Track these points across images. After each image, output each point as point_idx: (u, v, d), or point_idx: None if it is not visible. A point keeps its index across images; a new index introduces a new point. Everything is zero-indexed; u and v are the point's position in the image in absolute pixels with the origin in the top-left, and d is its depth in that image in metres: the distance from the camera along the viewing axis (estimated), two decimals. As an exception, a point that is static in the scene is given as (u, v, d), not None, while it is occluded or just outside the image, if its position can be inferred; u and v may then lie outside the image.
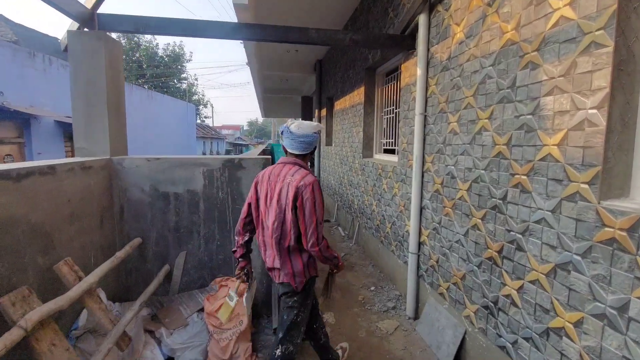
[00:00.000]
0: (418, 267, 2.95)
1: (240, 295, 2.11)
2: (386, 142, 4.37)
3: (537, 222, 1.67)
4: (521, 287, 1.78)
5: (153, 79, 26.09)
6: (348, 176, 5.57)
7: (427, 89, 2.78)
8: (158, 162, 2.68)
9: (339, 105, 6.34)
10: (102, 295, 2.24)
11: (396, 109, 3.97)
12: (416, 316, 2.97)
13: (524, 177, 1.75)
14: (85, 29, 2.55)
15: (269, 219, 1.72)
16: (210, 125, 36.54)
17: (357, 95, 4.93)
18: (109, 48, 2.59)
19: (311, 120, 11.16)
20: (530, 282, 1.72)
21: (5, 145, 7.70)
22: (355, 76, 5.01)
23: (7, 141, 7.68)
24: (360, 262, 4.30)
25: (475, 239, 2.15)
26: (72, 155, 8.80)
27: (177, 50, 27.65)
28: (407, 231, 3.18)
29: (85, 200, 2.26)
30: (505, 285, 1.90)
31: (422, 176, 2.86)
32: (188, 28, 2.68)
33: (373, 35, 3.00)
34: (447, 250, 2.49)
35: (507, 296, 1.89)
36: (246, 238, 1.93)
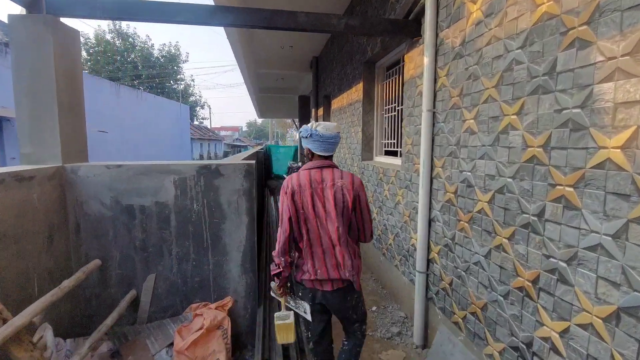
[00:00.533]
0: (427, 288, 2.54)
1: (287, 309, 1.87)
2: (388, 143, 3.97)
3: (591, 248, 1.27)
4: (566, 331, 1.38)
5: (148, 80, 25.69)
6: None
7: (435, 82, 2.38)
8: (120, 170, 2.27)
9: (336, 103, 5.94)
10: (48, 333, 1.83)
11: (399, 106, 3.57)
12: (425, 344, 2.57)
13: (570, 190, 1.35)
14: (32, 13, 2.14)
15: (331, 225, 1.66)
16: (209, 126, 36.14)
17: (355, 92, 4.52)
18: (59, 35, 2.19)
19: (309, 120, 10.78)
20: (580, 326, 1.32)
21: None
22: (353, 72, 4.61)
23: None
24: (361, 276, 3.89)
25: (501, 262, 1.75)
26: None
27: (173, 50, 27.25)
28: (414, 245, 2.78)
29: (24, 217, 1.86)
30: (542, 325, 1.50)
31: (431, 183, 2.45)
32: (155, 12, 2.28)
33: (372, 21, 2.60)
34: (463, 273, 2.09)
35: (546, 339, 1.48)
36: (294, 255, 1.78)
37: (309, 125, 1.74)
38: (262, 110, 14.95)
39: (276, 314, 1.81)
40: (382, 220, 3.56)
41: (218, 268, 2.44)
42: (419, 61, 2.62)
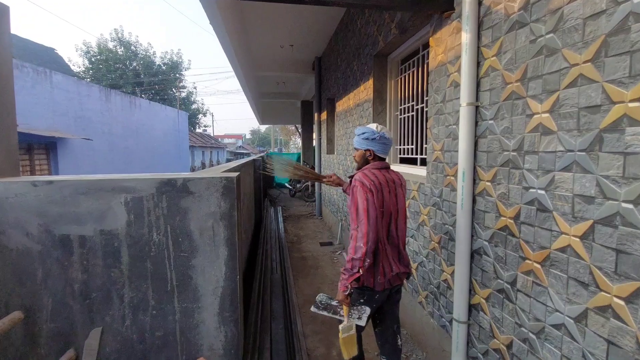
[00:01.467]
0: (469, 344, 1.89)
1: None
2: (404, 149, 3.35)
3: None
4: None
5: (150, 87, 25.44)
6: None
7: (479, 65, 1.77)
8: (52, 188, 1.67)
9: (341, 105, 5.34)
10: None
11: (418, 104, 2.96)
12: (466, 418, 1.90)
13: None
14: None
15: (401, 222, 1.80)
16: (211, 134, 35.83)
17: (364, 91, 3.92)
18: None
19: (312, 126, 10.22)
20: None
21: None
22: (361, 67, 4.02)
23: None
24: (373, 309, 3.24)
25: (609, 334, 1.11)
26: (30, 170, 7.80)
27: (175, 58, 27.04)
28: (446, 282, 2.13)
29: None
30: None
31: (474, 202, 1.82)
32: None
33: (390, -9, 2.00)
34: (533, 336, 1.44)
35: None
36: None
37: (372, 127, 1.82)
38: (263, 117, 14.43)
39: (341, 326, 1.70)
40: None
41: (187, 318, 1.82)
42: (452, 42, 2.01)
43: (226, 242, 1.82)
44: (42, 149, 7.39)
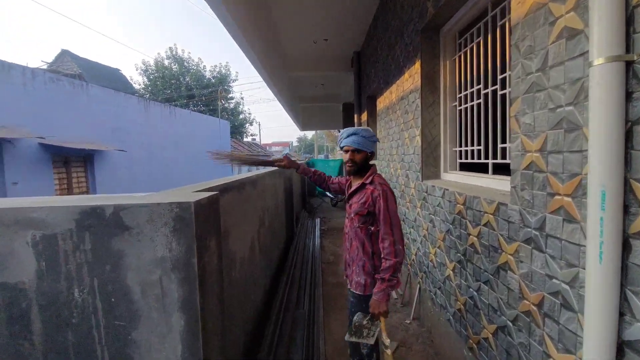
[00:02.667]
0: None
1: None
2: (466, 151, 2.46)
3: None
4: None
5: (200, 99, 26.69)
6: (399, 206, 3.69)
7: (634, -17, 0.90)
8: (-64, 222, 1.14)
9: (382, 102, 4.53)
10: None
11: (487, 87, 2.08)
12: None
13: None
14: None
15: None
16: (258, 142, 36.71)
17: (409, 79, 3.09)
18: None
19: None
20: None
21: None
22: (406, 49, 3.19)
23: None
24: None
25: None
26: (67, 184, 7.99)
27: (224, 71, 28.10)
28: (557, 378, 1.24)
29: None
30: None
31: (625, 248, 0.93)
32: None
33: None
34: None
35: None
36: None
37: (368, 128, 1.89)
38: (304, 123, 13.99)
39: (386, 343, 1.71)
40: (466, 288, 2.04)
41: (128, 421, 1.17)
42: (562, -39, 1.15)
43: (182, 307, 1.15)
44: (80, 162, 7.63)
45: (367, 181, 1.83)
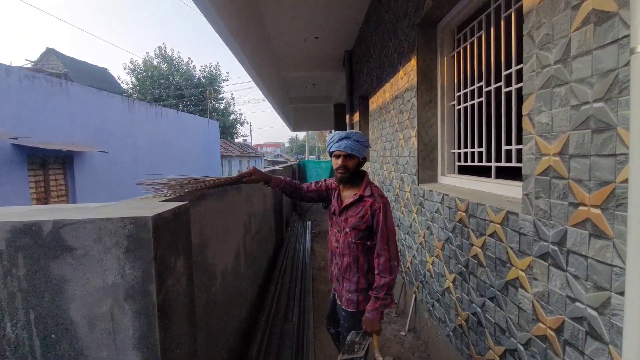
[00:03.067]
0: None
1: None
2: (466, 153, 2.30)
3: None
4: None
5: (189, 99, 26.23)
6: (393, 211, 3.53)
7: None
8: None
9: (375, 102, 4.37)
10: None
11: (490, 84, 1.92)
12: None
13: None
14: None
15: None
16: (249, 143, 36.33)
17: (404, 77, 2.93)
18: None
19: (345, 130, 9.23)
20: None
21: None
22: (400, 47, 3.03)
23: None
24: None
25: None
26: (44, 187, 7.48)
27: (214, 71, 27.68)
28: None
29: None
30: None
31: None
32: None
33: None
34: None
35: None
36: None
37: (360, 132, 1.73)
38: (295, 124, 13.77)
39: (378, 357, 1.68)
40: (468, 302, 1.87)
41: None
42: None
43: (138, 343, 0.94)
44: (58, 163, 7.24)
45: (366, 193, 1.66)
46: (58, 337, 0.94)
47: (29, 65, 17.20)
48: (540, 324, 1.26)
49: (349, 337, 1.70)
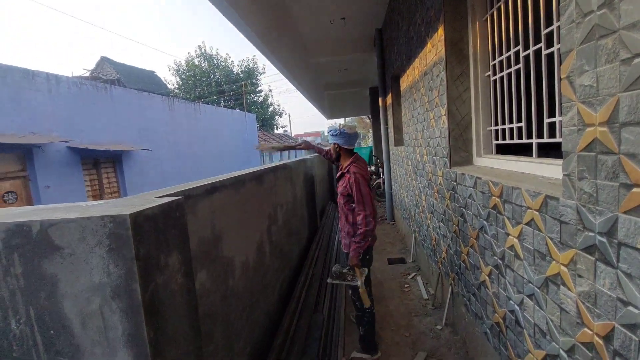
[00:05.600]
0: None
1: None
2: (504, 130, 2.03)
3: None
4: None
5: (229, 95, 27.11)
6: (427, 197, 3.30)
7: None
8: None
9: (405, 81, 4.08)
10: None
11: (529, 47, 1.64)
12: None
13: None
14: None
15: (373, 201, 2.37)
16: (289, 133, 36.83)
17: (432, 50, 2.66)
18: None
19: (379, 114, 9.00)
20: None
21: (6, 180, 6.62)
22: (427, 14, 2.75)
23: (8, 176, 6.64)
24: None
25: None
26: (98, 185, 8.28)
27: (251, 65, 28.23)
28: None
29: None
30: None
31: None
32: None
33: None
34: None
35: None
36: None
37: (336, 125, 2.48)
38: (331, 111, 13.60)
39: (360, 284, 2.26)
40: (507, 301, 1.66)
41: None
42: None
43: (128, 341, 0.93)
44: (109, 163, 7.92)
45: (345, 170, 2.39)
46: (56, 333, 0.96)
47: (87, 74, 18.85)
48: (585, 329, 1.05)
49: (333, 268, 2.49)
